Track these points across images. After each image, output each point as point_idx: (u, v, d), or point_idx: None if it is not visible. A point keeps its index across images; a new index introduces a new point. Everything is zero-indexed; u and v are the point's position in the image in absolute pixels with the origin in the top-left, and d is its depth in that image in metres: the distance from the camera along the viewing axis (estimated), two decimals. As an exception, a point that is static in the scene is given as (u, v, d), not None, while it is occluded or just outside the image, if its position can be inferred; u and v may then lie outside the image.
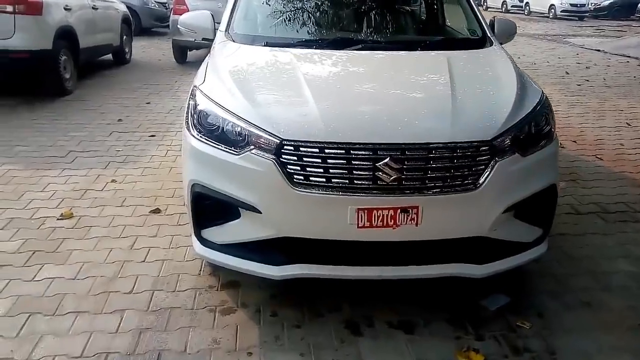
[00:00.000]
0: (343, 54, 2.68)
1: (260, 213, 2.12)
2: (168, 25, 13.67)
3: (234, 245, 2.25)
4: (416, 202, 2.06)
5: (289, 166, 2.05)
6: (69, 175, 4.03)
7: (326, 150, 2.02)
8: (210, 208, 2.27)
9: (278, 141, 2.05)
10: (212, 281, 2.67)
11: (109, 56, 8.77)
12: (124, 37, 8.92)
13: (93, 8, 7.49)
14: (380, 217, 2.06)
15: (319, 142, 2.02)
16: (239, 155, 2.11)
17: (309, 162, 2.04)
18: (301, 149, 2.03)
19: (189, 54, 9.59)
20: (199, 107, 2.29)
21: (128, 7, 9.57)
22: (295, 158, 2.04)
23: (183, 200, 3.62)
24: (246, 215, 2.17)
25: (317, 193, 2.04)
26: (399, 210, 2.06)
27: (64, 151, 4.58)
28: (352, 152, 2.01)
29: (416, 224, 2.09)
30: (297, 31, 2.93)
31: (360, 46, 2.71)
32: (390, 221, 2.07)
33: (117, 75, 8.15)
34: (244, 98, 2.22)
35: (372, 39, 2.83)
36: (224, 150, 2.15)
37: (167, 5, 14.35)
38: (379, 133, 2.04)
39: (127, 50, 9.20)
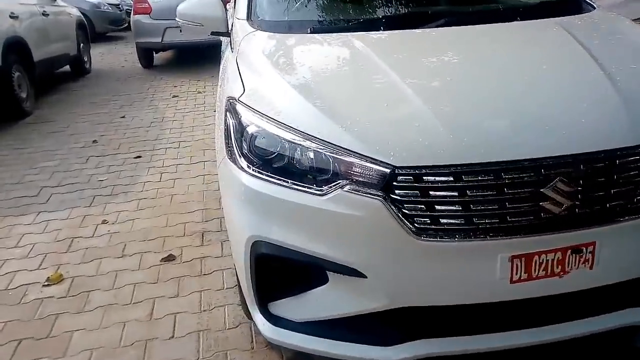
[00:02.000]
0: (425, 35, 1.99)
1: (364, 277, 1.44)
2: (124, 29, 12.73)
3: (321, 323, 1.56)
4: (592, 237, 1.41)
5: (406, 205, 1.36)
6: (47, 221, 3.24)
7: (464, 177, 1.34)
8: (280, 273, 1.57)
9: (388, 170, 1.36)
10: (274, 358, 1.97)
11: (66, 68, 7.81)
12: (81, 44, 7.96)
13: (43, 14, 6.55)
14: (544, 265, 1.41)
15: (453, 166, 1.34)
16: (324, 195, 1.42)
17: (438, 196, 1.36)
18: (425, 178, 1.35)
19: (155, 56, 8.70)
20: (249, 129, 1.57)
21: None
22: (416, 193, 1.36)
23: (200, 240, 2.91)
24: (338, 280, 1.49)
25: (452, 241, 1.38)
26: (569, 252, 1.41)
27: (34, 188, 3.76)
28: (503, 175, 1.34)
29: (590, 267, 1.44)
30: (350, 10, 2.21)
31: (442, 21, 2.02)
32: (557, 268, 1.43)
33: (80, 88, 7.23)
34: (318, 110, 1.51)
35: (455, 10, 2.15)
36: (299, 190, 1.45)
37: (120, 6, 13.29)
38: (539, 145, 1.37)
39: (85, 59, 8.25)
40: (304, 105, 1.54)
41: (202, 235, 2.95)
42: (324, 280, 1.52)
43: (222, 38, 2.69)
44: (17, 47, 5.66)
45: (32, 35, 6.04)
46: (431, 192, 1.36)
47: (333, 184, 1.42)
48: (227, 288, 2.44)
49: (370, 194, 1.38)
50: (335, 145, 1.42)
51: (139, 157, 4.30)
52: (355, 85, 1.65)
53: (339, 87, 1.64)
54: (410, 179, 1.36)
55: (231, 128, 1.65)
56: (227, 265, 2.62)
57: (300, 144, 1.47)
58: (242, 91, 1.69)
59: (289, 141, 1.49)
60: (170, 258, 2.73)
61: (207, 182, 3.68)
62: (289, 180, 1.47)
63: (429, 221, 1.37)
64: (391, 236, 1.39)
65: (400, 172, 1.36)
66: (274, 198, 1.48)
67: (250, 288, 1.62)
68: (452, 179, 1.35)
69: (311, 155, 1.47)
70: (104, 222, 3.18)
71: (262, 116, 1.55)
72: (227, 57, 2.25)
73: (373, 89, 1.60)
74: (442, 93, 1.55)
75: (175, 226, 3.08)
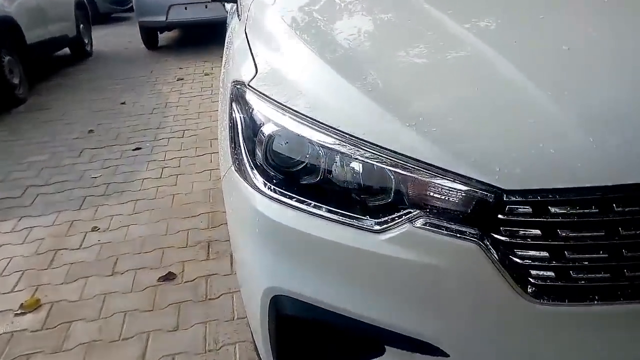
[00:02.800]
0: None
1: (445, 356, 0.93)
2: (129, 9, 12.16)
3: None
4: None
5: (518, 251, 0.85)
6: (29, 228, 2.77)
7: (617, 208, 0.82)
8: (313, 342, 1.07)
9: (490, 196, 0.85)
10: None
11: (66, 50, 7.33)
12: (81, 25, 7.46)
13: (37, -8, 6.04)
14: None
15: (599, 190, 0.82)
16: (382, 232, 0.91)
17: (572, 237, 0.84)
18: (553, 209, 0.83)
19: (160, 37, 8.18)
20: (265, 128, 1.05)
21: (81, -9, 8.05)
22: (535, 232, 0.84)
23: (206, 252, 2.43)
24: (401, 357, 0.98)
25: (590, 304, 0.86)
26: None
27: (19, 188, 3.29)
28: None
29: None
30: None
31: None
32: None
33: (79, 72, 6.74)
34: (371, 100, 0.99)
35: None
36: (341, 223, 0.94)
37: (125, -15, 12.71)
38: None
39: (86, 41, 7.75)
40: (348, 93, 1.02)
41: (208, 246, 2.46)
42: (376, 353, 1.01)
43: (226, 5, 2.16)
44: (6, 28, 5.17)
45: (24, 15, 5.55)
46: (561, 231, 0.84)
47: (397, 215, 0.91)
48: (238, 318, 1.96)
49: (458, 232, 0.87)
50: (401, 155, 0.91)
51: (138, 148, 3.82)
52: (427, 63, 1.11)
53: (401, 67, 1.10)
54: (528, 209, 0.84)
55: (239, 126, 1.14)
56: (237, 286, 2.13)
57: (342, 152, 0.96)
58: (254, 72, 1.17)
59: (325, 147, 0.97)
60: (169, 277, 2.25)
61: (214, 179, 3.19)
62: (326, 207, 0.96)
63: (554, 275, 0.86)
64: (491, 297, 0.88)
65: (512, 198, 0.84)
66: (303, 234, 0.97)
67: (269, 354, 1.12)
68: (596, 210, 0.83)
69: (360, 168, 0.95)
70: (94, 229, 2.71)
71: (284, 109, 1.04)
72: (233, 28, 1.72)
73: (453, 67, 1.06)
74: (562, 71, 1.01)
75: (177, 234, 2.60)
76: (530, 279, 0.87)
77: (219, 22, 7.11)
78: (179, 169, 3.39)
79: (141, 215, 2.82)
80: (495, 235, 0.86)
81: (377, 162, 0.93)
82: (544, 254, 0.85)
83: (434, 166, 0.88)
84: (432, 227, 0.89)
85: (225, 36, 2.47)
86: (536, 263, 0.86)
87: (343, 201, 0.97)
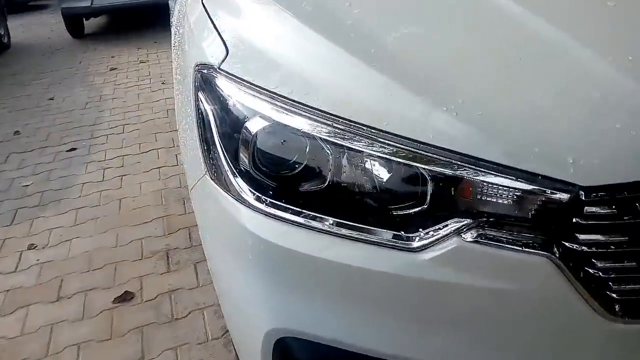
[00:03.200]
0: None
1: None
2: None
3: None
4: None
5: (598, 262, 0.66)
6: (-49, 252, 2.38)
7: None
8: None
9: (565, 196, 0.65)
10: None
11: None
12: (-6, 15, 6.74)
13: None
14: None
15: None
16: (420, 250, 0.70)
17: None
18: (648, 209, 0.65)
19: (86, 24, 7.55)
20: (251, 124, 0.80)
21: (-10, -23, 7.28)
22: (622, 238, 0.65)
23: (165, 263, 2.15)
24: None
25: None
26: None
27: None
28: None
29: None
30: None
31: None
32: None
33: (-2, 67, 6.09)
34: (392, 80, 0.76)
35: None
36: (365, 241, 0.72)
37: (40, -30, 11.71)
38: None
39: (2, 32, 7.02)
40: (358, 73, 0.79)
41: (167, 256, 2.19)
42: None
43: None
44: None
45: None
46: (655, 235, 0.66)
47: (440, 226, 0.70)
48: (213, 339, 1.72)
49: (523, 243, 0.68)
50: (439, 148, 0.69)
51: (74, 149, 3.42)
52: (460, 30, 0.87)
53: (425, 35, 0.86)
54: (611, 210, 0.65)
55: (212, 122, 0.88)
56: (208, 301, 1.89)
57: (359, 150, 0.74)
58: (225, 53, 0.92)
59: (335, 144, 0.75)
60: (126, 297, 1.97)
61: (164, 177, 2.89)
62: (344, 223, 0.74)
63: (644, 289, 0.68)
64: (563, 318, 0.70)
65: (591, 197, 0.65)
66: (315, 260, 0.75)
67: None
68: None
69: (384, 169, 0.74)
70: (31, 247, 2.36)
71: (275, 98, 0.80)
72: (183, 2, 1.44)
73: (498, 34, 0.84)
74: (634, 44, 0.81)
75: (129, 245, 2.30)
76: (611, 294, 0.68)
77: (150, 5, 6.62)
78: (123, 169, 3.05)
79: (85, 226, 2.49)
80: (569, 244, 0.67)
81: (407, 160, 0.71)
82: (631, 263, 0.67)
83: (486, 161, 0.67)
84: (488, 239, 0.69)
85: (171, 17, 2.16)
86: (620, 275, 0.68)
87: (364, 213, 0.75)
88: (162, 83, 4.62)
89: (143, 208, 2.59)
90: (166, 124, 3.65)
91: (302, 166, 0.79)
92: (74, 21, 7.20)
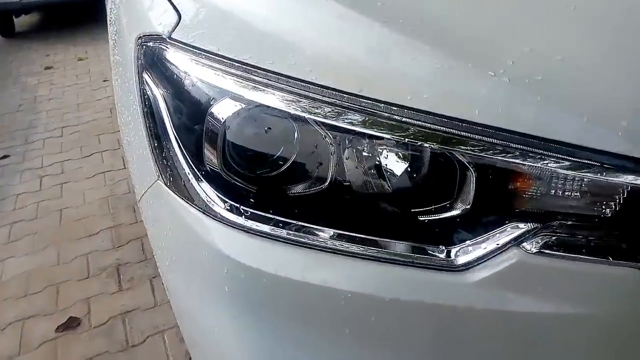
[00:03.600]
0: None
1: None
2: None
3: None
4: None
5: None
6: None
7: None
8: None
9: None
10: None
11: None
12: None
13: None
14: None
15: None
16: (468, 269, 0.50)
17: None
18: None
19: (16, 21, 6.98)
20: (218, 110, 0.58)
21: None
22: None
23: (116, 281, 1.88)
24: None
25: None
26: None
27: None
28: None
29: None
30: None
31: None
32: None
33: None
34: (418, 42, 0.56)
35: None
36: (393, 261, 0.52)
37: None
38: None
39: None
40: (365, 30, 0.58)
41: (117, 273, 1.92)
42: None
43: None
44: None
45: None
46: None
47: (486, 236, 0.51)
48: (176, 367, 1.49)
49: (605, 253, 0.49)
50: (488, 127, 0.50)
51: (6, 156, 3.06)
52: None
53: None
54: None
55: (163, 111, 0.66)
56: (168, 322, 1.65)
57: (375, 135, 0.54)
58: (177, 18, 0.69)
59: (338, 129, 0.54)
60: (71, 324, 1.70)
61: (111, 183, 2.60)
62: (358, 237, 0.54)
63: None
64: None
65: None
66: (321, 292, 0.54)
67: None
68: None
69: (404, 160, 0.54)
70: (-43, 271, 2.04)
71: (251, 72, 0.58)
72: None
73: None
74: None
75: (73, 262, 2.02)
76: None
77: (86, 0, 6.19)
78: (64, 176, 2.73)
79: (20, 243, 2.18)
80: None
81: (441, 145, 0.51)
82: None
83: (555, 143, 0.49)
84: (557, 250, 0.50)
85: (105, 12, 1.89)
86: None
87: (384, 221, 0.55)
88: (104, 80, 4.27)
89: (88, 219, 2.30)
90: (110, 124, 3.34)
91: (291, 161, 0.58)
92: (2, 19, 6.64)
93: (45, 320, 1.73)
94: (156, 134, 0.67)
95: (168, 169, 0.65)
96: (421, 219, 0.56)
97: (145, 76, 0.71)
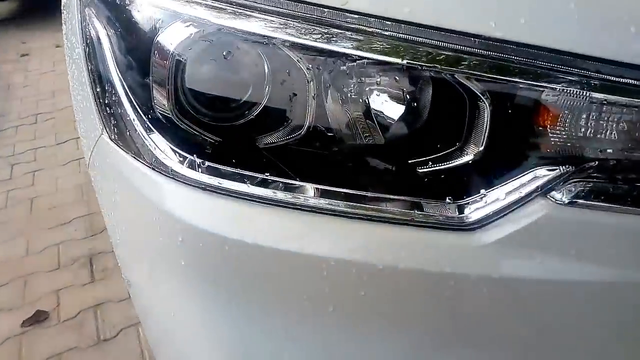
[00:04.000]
0: None
1: None
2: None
3: None
4: None
5: None
6: None
7: None
8: None
9: None
10: None
11: None
12: None
13: None
14: None
15: None
16: (483, 226, 0.39)
17: None
18: None
19: (-8, 11, 6.75)
20: (166, 37, 0.47)
21: None
22: None
23: (89, 272, 1.76)
24: None
25: None
26: None
27: None
28: None
29: None
30: None
31: None
32: None
33: None
34: None
35: None
36: (390, 221, 0.42)
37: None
38: None
39: None
40: None
41: (90, 263, 1.80)
42: None
43: None
44: None
45: None
46: None
47: (504, 184, 0.40)
48: (150, 362, 1.37)
49: None
50: (506, 43, 0.39)
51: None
52: None
53: None
54: None
55: (106, 46, 0.54)
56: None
57: (366, 58, 0.42)
58: None
59: (319, 52, 0.43)
60: (38, 317, 1.58)
61: (85, 169, 2.45)
62: (345, 192, 0.43)
63: None
64: None
65: None
66: (300, 259, 0.43)
67: None
68: None
69: (399, 94, 0.43)
70: None
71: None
72: None
73: None
74: None
75: (42, 253, 1.89)
76: None
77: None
78: (35, 163, 2.59)
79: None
80: None
81: (446, 67, 0.40)
82: None
83: (585, 58, 0.38)
84: (597, 199, 0.39)
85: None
86: None
87: (375, 173, 0.44)
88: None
89: (60, 207, 2.17)
90: (87, 111, 3.19)
91: (261, 105, 0.47)
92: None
93: (10, 315, 1.60)
94: (99, 77, 0.55)
95: (112, 119, 0.54)
96: (422, 171, 0.45)
97: (87, 11, 0.59)
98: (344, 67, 0.44)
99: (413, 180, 0.45)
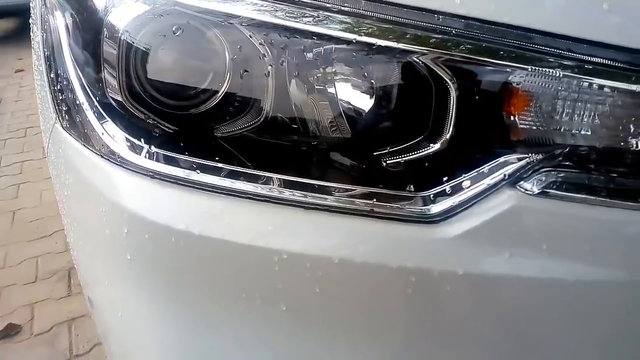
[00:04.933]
0: None
1: None
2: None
3: None
4: None
5: None
6: None
7: None
8: None
9: None
10: None
11: None
12: None
13: None
14: None
15: None
16: (446, 218, 0.36)
17: None
18: None
19: (-8, 27, 6.79)
20: (116, 16, 0.44)
21: None
22: None
23: (66, 285, 1.70)
24: None
25: None
26: None
27: None
28: None
29: None
30: None
31: None
32: None
33: None
34: None
35: None
36: (347, 211, 0.38)
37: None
38: None
39: None
40: None
41: (69, 277, 1.75)
42: None
43: None
44: None
45: None
46: None
47: (471, 174, 0.37)
48: (123, 379, 1.30)
49: (623, 194, 0.35)
50: (475, 20, 0.36)
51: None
52: None
53: None
54: None
55: (62, 30, 0.51)
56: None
57: (330, 36, 0.40)
58: None
59: (280, 29, 0.40)
60: (10, 330, 1.52)
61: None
62: (303, 182, 0.40)
63: None
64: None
65: None
66: (249, 252, 0.39)
67: None
68: None
69: (365, 79, 0.40)
70: None
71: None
72: None
73: None
74: None
75: (20, 265, 1.83)
76: None
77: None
78: (21, 176, 2.55)
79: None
80: None
81: (409, 46, 0.38)
82: None
83: (556, 37, 0.35)
84: (569, 189, 0.36)
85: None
86: None
87: (335, 163, 0.41)
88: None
89: (42, 220, 2.12)
90: (77, 125, 3.17)
91: (221, 92, 0.44)
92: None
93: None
94: (54, 62, 0.53)
95: (64, 106, 0.51)
96: (387, 162, 0.42)
97: (49, 1, 0.56)
98: (309, 54, 0.42)
99: (378, 171, 0.42)
